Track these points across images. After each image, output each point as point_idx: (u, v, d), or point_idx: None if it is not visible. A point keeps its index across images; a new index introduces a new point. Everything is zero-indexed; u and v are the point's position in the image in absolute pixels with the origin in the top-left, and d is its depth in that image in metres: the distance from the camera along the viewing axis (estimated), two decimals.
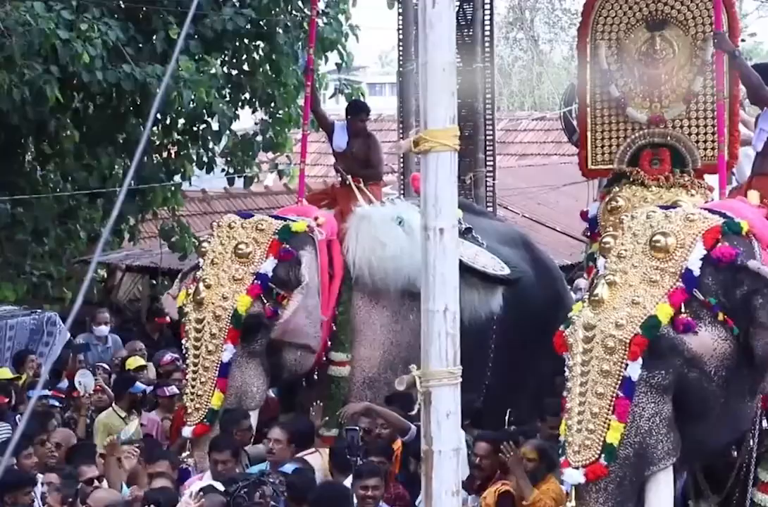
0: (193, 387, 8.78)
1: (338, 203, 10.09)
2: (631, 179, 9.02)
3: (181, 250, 13.70)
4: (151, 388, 10.48)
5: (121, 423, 9.73)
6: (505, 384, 9.63)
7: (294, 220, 9.27)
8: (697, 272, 6.70)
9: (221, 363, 8.76)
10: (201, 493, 7.13)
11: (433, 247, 5.07)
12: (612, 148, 9.20)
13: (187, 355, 8.92)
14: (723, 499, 7.17)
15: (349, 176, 10.02)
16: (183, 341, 9.00)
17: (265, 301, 8.90)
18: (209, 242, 9.18)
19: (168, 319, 13.39)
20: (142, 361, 11.16)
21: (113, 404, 9.95)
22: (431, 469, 5.09)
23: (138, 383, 10.16)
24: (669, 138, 9.05)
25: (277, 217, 9.37)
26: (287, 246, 9.04)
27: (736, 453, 7.04)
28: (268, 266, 8.96)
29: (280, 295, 8.97)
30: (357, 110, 10.32)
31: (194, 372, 8.79)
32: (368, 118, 10.43)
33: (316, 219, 9.46)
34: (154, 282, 15.79)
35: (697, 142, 9.00)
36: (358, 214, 9.63)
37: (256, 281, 8.90)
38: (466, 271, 9.37)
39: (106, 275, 16.00)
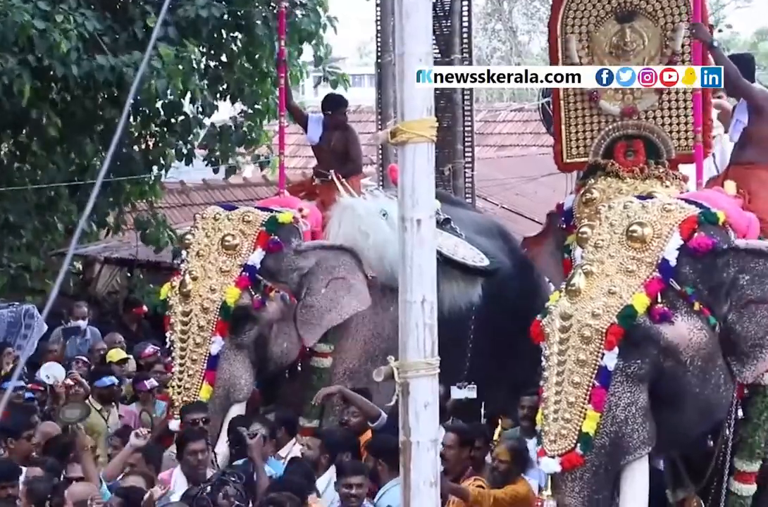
0: (180, 380, 8.77)
1: (319, 195, 10.10)
2: (606, 171, 9.04)
3: (155, 242, 13.64)
4: (129, 380, 10.47)
5: (97, 415, 9.71)
6: (484, 374, 9.65)
7: (280, 212, 9.27)
8: (673, 262, 6.74)
9: (209, 355, 8.76)
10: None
11: (410, 238, 5.08)
12: (587, 141, 9.20)
13: (172, 348, 8.91)
14: (702, 488, 7.21)
15: (331, 171, 10.03)
16: (168, 334, 8.99)
17: (253, 292, 8.91)
18: (193, 234, 9.17)
19: (144, 308, 13.38)
20: (123, 354, 11.12)
21: (90, 397, 9.91)
22: (409, 460, 5.10)
23: (106, 378, 10.05)
24: (642, 129, 9.05)
25: (262, 209, 9.37)
26: (275, 237, 9.05)
27: (712, 442, 7.09)
28: (255, 258, 8.97)
29: (267, 286, 8.98)
30: (335, 104, 10.27)
31: (181, 365, 8.78)
32: (347, 110, 10.40)
33: (300, 210, 9.47)
34: (128, 275, 15.73)
35: (671, 132, 9.01)
36: (341, 205, 9.64)
37: (244, 273, 8.91)
38: (446, 262, 9.40)
39: (82, 267, 15.93)
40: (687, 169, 8.87)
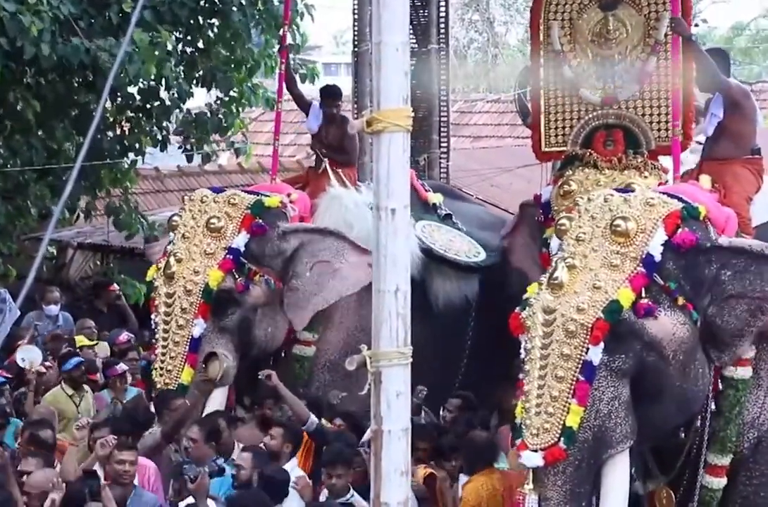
0: (162, 362, 8.76)
1: (310, 184, 10.08)
2: (584, 161, 9.01)
3: (128, 228, 13.55)
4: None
5: (67, 400, 9.67)
6: (485, 367, 9.58)
7: (267, 195, 9.26)
8: (658, 257, 6.75)
9: (191, 338, 8.75)
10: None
11: (384, 227, 5.07)
12: (566, 130, 9.19)
13: (156, 330, 8.90)
14: (671, 480, 7.24)
15: (325, 160, 10.01)
16: (152, 316, 8.98)
17: (237, 276, 8.90)
18: (180, 216, 9.15)
19: (115, 286, 13.28)
20: (87, 342, 11.05)
21: (62, 383, 9.86)
22: (380, 448, 5.10)
23: (73, 359, 9.96)
24: (623, 119, 9.04)
25: (250, 192, 9.36)
26: (260, 221, 9.03)
27: (684, 435, 7.10)
28: (240, 241, 8.96)
29: (252, 270, 8.97)
30: (328, 95, 10.23)
31: (164, 347, 8.78)
32: (341, 102, 10.32)
33: (288, 195, 9.45)
34: (99, 261, 15.66)
35: (651, 122, 9.00)
36: (329, 194, 9.63)
37: (227, 256, 8.91)
38: (438, 259, 9.40)
39: (56, 252, 15.86)
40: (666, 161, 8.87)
